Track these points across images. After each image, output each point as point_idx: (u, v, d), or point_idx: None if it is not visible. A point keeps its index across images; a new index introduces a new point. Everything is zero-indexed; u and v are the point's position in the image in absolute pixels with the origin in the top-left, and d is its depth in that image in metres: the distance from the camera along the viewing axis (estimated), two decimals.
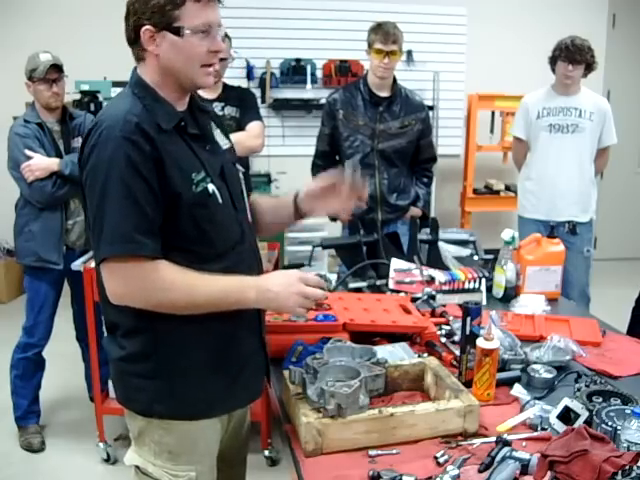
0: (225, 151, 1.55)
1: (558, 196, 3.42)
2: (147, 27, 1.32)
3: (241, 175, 1.59)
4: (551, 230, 2.50)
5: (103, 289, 1.38)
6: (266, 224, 1.71)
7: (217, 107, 2.96)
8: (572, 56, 3.28)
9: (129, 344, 1.42)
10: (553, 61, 3.41)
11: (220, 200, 1.41)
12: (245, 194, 1.57)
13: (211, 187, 1.39)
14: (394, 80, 3.10)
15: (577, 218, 3.43)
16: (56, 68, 2.74)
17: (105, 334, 1.51)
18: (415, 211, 3.19)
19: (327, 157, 3.21)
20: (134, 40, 1.36)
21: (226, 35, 2.92)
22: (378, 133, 3.05)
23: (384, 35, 2.91)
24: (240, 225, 1.49)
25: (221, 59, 2.88)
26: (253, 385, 1.56)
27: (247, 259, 1.50)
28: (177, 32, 1.32)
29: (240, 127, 2.96)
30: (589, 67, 3.35)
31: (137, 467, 1.50)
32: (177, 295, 1.34)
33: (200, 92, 3.03)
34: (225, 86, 3.03)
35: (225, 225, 1.44)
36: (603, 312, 2.34)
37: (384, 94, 3.07)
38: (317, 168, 3.23)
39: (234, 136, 2.91)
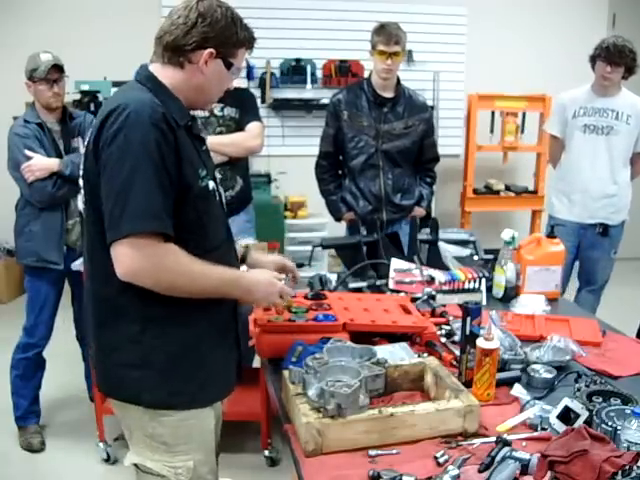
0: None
1: (590, 198, 3.37)
2: (212, 50, 1.43)
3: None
4: (551, 230, 2.51)
5: (96, 280, 1.46)
6: None
7: (217, 108, 2.96)
8: (611, 57, 3.18)
9: (115, 334, 1.45)
10: (593, 60, 3.30)
11: (217, 197, 1.54)
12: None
13: (211, 184, 1.50)
14: (398, 81, 3.10)
15: (608, 220, 3.39)
16: (57, 68, 2.74)
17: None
18: (419, 211, 3.21)
19: (331, 157, 3.22)
20: (186, 49, 1.42)
21: None
22: (382, 134, 3.06)
23: (386, 37, 2.90)
24: (225, 225, 1.60)
25: None
26: (227, 380, 1.63)
27: (231, 256, 1.62)
28: (228, 65, 1.48)
29: (240, 127, 2.96)
30: (630, 70, 3.24)
31: (136, 466, 1.52)
32: (184, 279, 1.40)
33: None
34: None
35: (218, 221, 1.55)
36: (604, 312, 2.34)
37: (388, 95, 3.08)
38: (321, 168, 3.24)
39: (234, 136, 2.96)
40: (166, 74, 1.45)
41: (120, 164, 1.32)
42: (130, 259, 1.33)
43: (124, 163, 1.32)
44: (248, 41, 1.52)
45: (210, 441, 1.57)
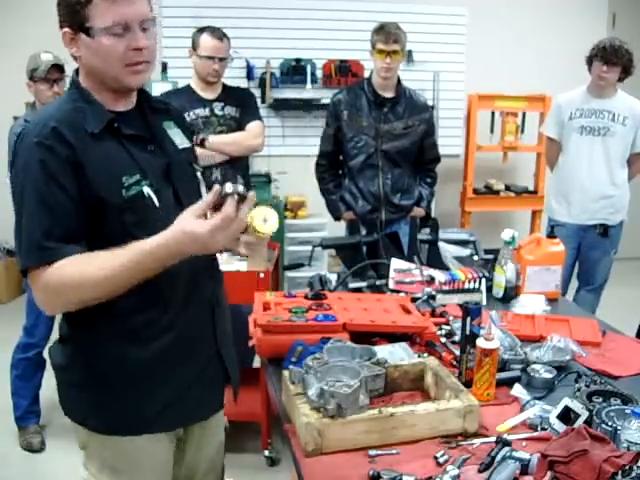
0: (181, 150, 1.48)
1: (588, 199, 3.38)
2: (65, 30, 1.32)
3: (199, 174, 1.53)
4: (551, 230, 2.50)
5: None
6: None
7: (217, 107, 2.97)
8: (608, 57, 3.19)
9: (63, 352, 1.42)
10: (590, 61, 3.31)
11: (157, 202, 1.34)
12: (203, 193, 1.50)
13: (146, 190, 1.33)
14: (398, 81, 3.10)
15: (607, 221, 3.40)
16: (57, 68, 2.74)
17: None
18: (418, 211, 3.22)
19: (331, 157, 3.22)
20: (67, 46, 1.35)
21: (225, 35, 2.92)
22: (382, 134, 3.06)
23: (385, 35, 2.92)
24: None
25: (220, 59, 2.90)
26: (205, 400, 1.51)
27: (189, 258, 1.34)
28: (88, 32, 1.28)
29: (240, 127, 2.97)
30: (626, 71, 3.26)
31: None
32: (85, 287, 1.26)
33: (200, 92, 3.07)
34: (224, 86, 3.03)
35: (158, 228, 1.26)
36: (604, 312, 2.34)
37: (388, 95, 3.08)
38: (321, 168, 3.25)
39: (235, 135, 2.97)
40: (80, 73, 1.38)
41: (13, 194, 1.30)
42: (36, 293, 1.29)
43: (14, 193, 1.29)
44: None
45: (165, 472, 1.47)
